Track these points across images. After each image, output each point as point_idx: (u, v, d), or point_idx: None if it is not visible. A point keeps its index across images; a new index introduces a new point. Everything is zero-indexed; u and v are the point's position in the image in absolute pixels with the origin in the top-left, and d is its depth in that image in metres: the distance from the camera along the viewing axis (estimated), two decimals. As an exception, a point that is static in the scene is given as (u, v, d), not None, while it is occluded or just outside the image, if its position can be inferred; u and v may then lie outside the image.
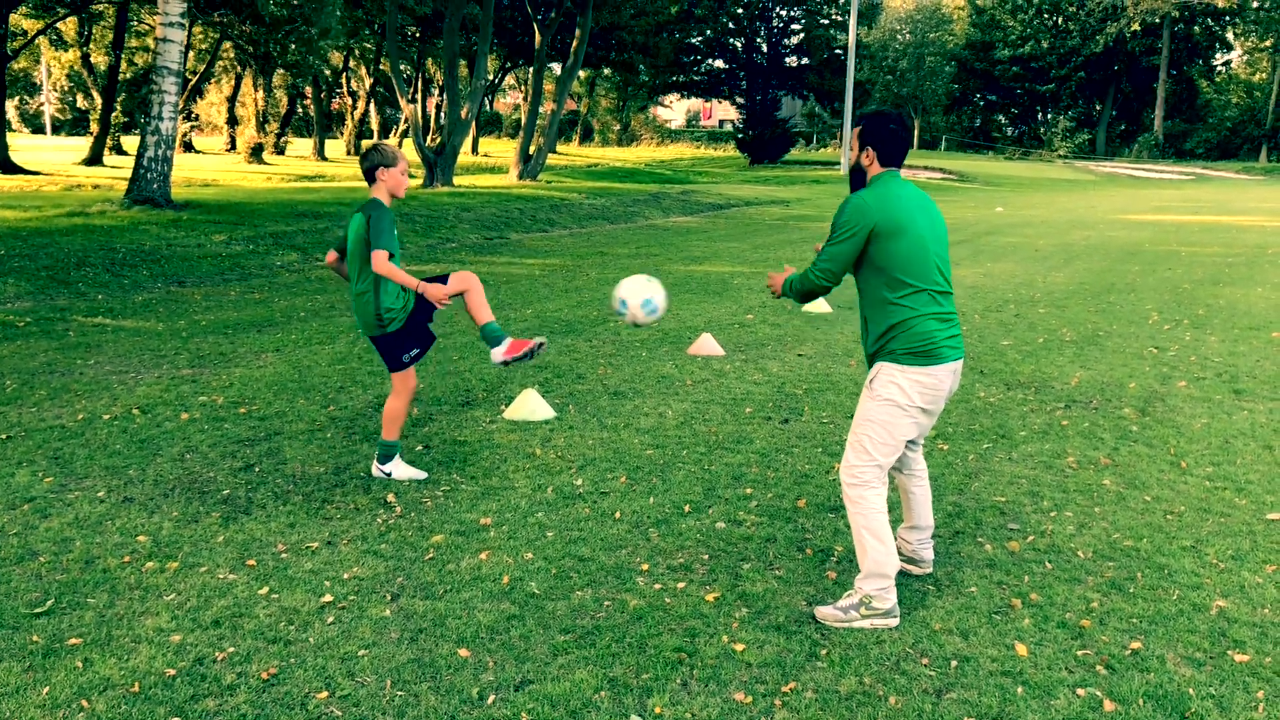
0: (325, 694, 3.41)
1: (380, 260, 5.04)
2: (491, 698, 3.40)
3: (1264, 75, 69.62)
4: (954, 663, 3.68)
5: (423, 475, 5.51)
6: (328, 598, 4.10)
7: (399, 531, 4.79)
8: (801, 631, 3.89)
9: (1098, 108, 73.79)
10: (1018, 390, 7.62)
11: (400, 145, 54.40)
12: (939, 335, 3.94)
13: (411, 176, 30.20)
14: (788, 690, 3.48)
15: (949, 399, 4.12)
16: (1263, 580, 4.38)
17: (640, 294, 5.09)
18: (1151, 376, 8.11)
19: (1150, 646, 3.80)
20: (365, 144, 52.37)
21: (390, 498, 5.21)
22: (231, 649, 3.69)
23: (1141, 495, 5.41)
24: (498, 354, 5.27)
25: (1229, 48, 71.75)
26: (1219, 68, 73.64)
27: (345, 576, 4.30)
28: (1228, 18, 66.70)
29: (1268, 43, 65.09)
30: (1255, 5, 62.92)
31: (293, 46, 27.53)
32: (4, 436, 6.11)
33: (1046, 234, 20.86)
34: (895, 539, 4.41)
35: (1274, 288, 13.33)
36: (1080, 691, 3.49)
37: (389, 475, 5.49)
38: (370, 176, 5.20)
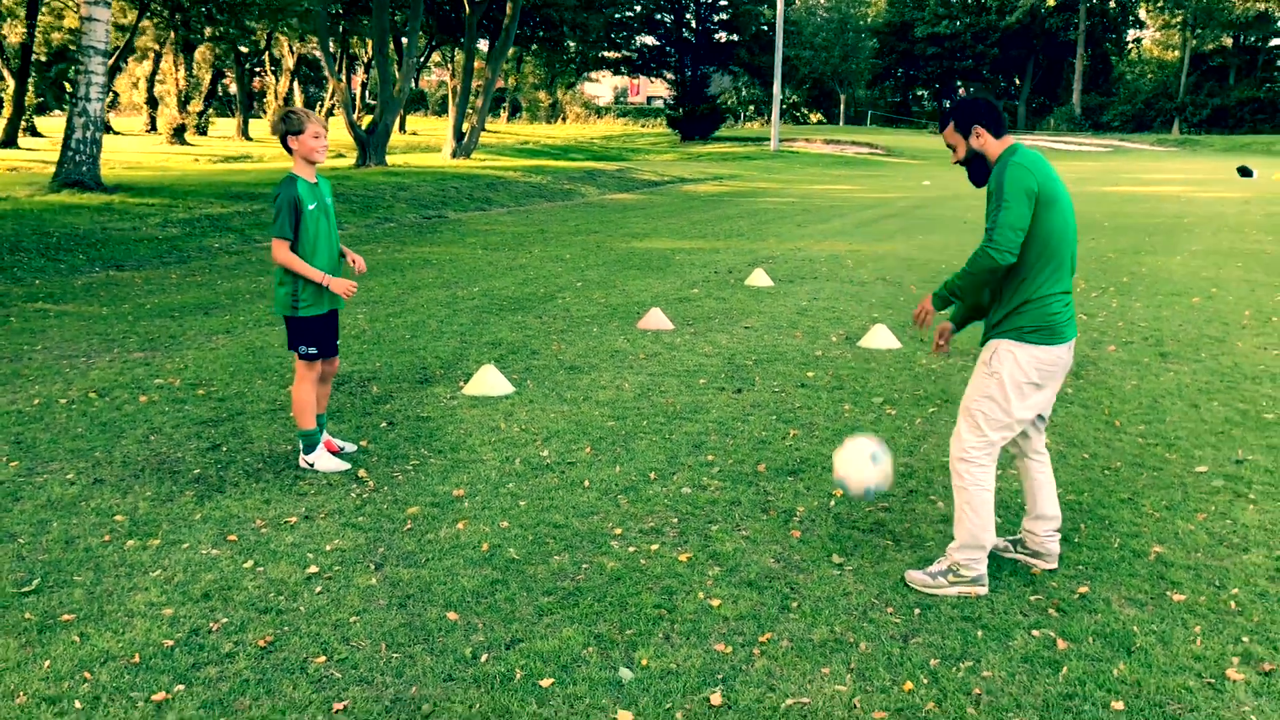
0: (323, 658, 3.53)
1: (277, 251, 5.06)
2: (485, 656, 3.56)
3: (1175, 54, 71.54)
4: (917, 611, 3.92)
5: (345, 467, 5.35)
6: (313, 569, 4.21)
7: (375, 505, 4.90)
8: (772, 586, 4.10)
9: (1017, 82, 75.24)
10: (957, 357, 7.92)
11: (328, 122, 53.52)
12: (1063, 314, 3.92)
13: (341, 156, 29.80)
14: (764, 640, 3.69)
15: (1065, 374, 4.07)
16: (1195, 527, 4.70)
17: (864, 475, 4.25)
18: (1083, 342, 8.47)
19: (1096, 590, 4.08)
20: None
21: (362, 473, 5.31)
22: (225, 620, 3.79)
23: (1080, 453, 5.72)
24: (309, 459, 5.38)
25: (1141, 24, 73.65)
26: (1130, 45, 75.62)
27: (327, 548, 4.41)
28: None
29: (1178, 18, 66.82)
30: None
31: (217, 17, 26.84)
32: (-39, 422, 6.07)
33: (974, 207, 21.36)
34: (1020, 531, 4.35)
35: (1192, 255, 13.89)
36: (1035, 632, 3.75)
37: (312, 467, 5.34)
38: (285, 147, 5.16)
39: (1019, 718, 3.23)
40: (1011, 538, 4.44)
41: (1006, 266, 3.80)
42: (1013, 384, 3.93)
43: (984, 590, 4.03)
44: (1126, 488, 5.19)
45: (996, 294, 4.01)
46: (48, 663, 3.48)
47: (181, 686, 3.35)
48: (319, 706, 3.26)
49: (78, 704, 3.24)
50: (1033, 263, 3.86)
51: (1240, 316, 9.59)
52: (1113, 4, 70.49)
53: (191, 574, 4.16)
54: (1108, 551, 4.43)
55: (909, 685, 3.40)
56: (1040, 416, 4.18)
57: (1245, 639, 3.70)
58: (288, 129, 5.14)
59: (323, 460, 5.37)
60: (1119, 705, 3.29)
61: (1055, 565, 4.27)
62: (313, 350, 5.31)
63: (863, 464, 4.18)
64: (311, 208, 5.14)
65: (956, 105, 4.01)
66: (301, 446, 5.40)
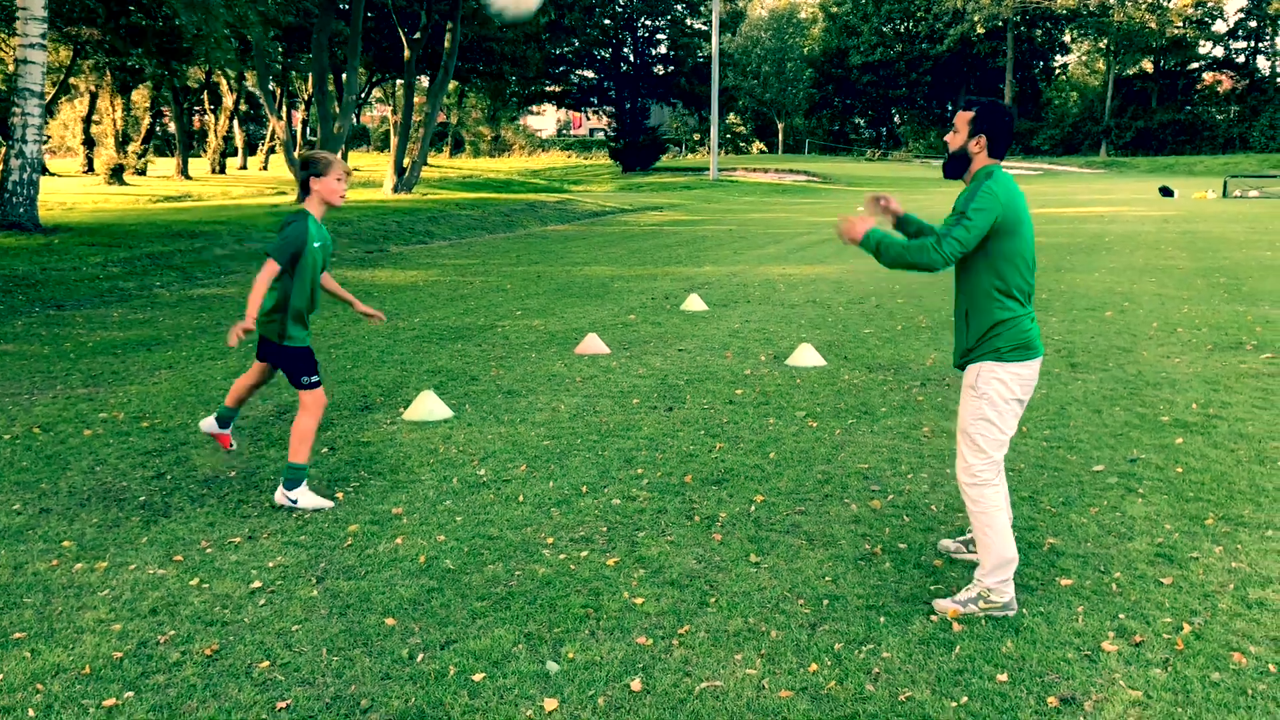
0: (267, 663, 3.74)
1: (264, 270, 5.12)
2: (420, 656, 3.79)
3: (1098, 81, 73.87)
4: (825, 602, 4.22)
5: (329, 504, 5.34)
6: (257, 584, 4.42)
7: (316, 525, 5.11)
8: (693, 585, 4.38)
9: (950, 108, 77.10)
10: (878, 372, 8.29)
11: (267, 162, 53.42)
12: (1033, 330, 4.11)
13: (283, 194, 29.86)
14: (683, 632, 3.96)
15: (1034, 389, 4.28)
16: (1087, 520, 5.06)
17: None
18: (998, 355, 8.88)
19: (991, 578, 4.40)
20: (232, 161, 51.35)
21: (304, 495, 5.51)
22: (172, 632, 3.99)
23: (987, 456, 6.07)
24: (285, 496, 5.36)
25: (1067, 50, 76.08)
26: (1056, 70, 78.07)
27: (270, 565, 4.61)
28: (1064, 22, 70.65)
29: (1102, 44, 69.01)
30: (1091, 6, 66.60)
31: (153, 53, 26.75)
32: (-95, 460, 6.18)
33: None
34: (969, 531, 4.56)
35: (1109, 272, 14.49)
36: (933, 618, 4.06)
37: (294, 504, 5.29)
38: (304, 188, 5.24)
39: (912, 691, 3.53)
40: (962, 538, 4.73)
41: (940, 269, 4.01)
42: (1002, 402, 4.10)
43: (1013, 613, 4.10)
44: (1028, 487, 5.55)
45: (967, 319, 4.15)
46: (0, 676, 3.65)
47: (131, 694, 3.55)
48: (263, 706, 3.47)
49: (31, 712, 3.43)
50: (1002, 286, 4.06)
51: (1149, 328, 10.10)
52: (1038, 32, 72.63)
53: (139, 592, 4.35)
54: (1005, 544, 4.76)
55: (814, 667, 3.69)
56: None
57: (1122, 615, 4.05)
58: (311, 172, 5.19)
59: (305, 498, 5.31)
60: (1003, 677, 3.60)
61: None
62: (315, 378, 5.37)
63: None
64: (316, 245, 5.27)
65: (988, 107, 4.08)
66: (283, 481, 5.35)
